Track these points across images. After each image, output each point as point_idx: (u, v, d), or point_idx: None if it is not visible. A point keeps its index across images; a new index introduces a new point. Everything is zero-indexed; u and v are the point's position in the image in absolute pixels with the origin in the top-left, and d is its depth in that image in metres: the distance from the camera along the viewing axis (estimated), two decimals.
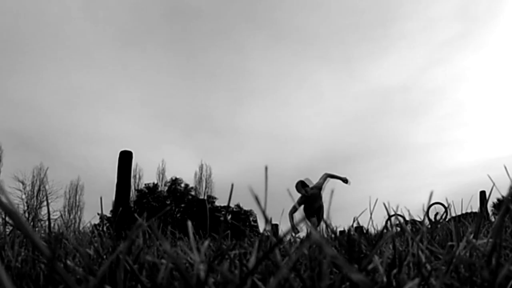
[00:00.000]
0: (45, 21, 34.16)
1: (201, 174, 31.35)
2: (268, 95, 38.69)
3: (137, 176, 30.59)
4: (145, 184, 29.75)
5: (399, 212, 2.37)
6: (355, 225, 1.29)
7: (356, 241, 0.77)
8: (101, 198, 1.39)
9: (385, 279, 0.57)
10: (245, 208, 28.62)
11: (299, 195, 5.97)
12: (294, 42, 37.02)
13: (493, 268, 0.52)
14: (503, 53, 34.52)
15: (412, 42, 35.18)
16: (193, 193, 30.05)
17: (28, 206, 26.41)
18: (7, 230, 1.27)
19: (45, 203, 26.45)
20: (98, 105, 37.07)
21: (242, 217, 27.89)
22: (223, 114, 38.03)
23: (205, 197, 29.39)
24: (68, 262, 0.73)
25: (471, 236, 0.89)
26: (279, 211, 1.21)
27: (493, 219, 3.61)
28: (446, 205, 2.40)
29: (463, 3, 35.13)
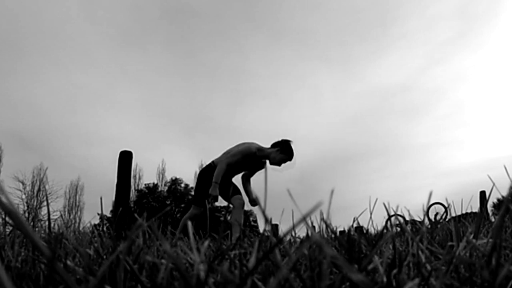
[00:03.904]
0: (45, 21, 34.16)
1: None
2: (268, 95, 38.71)
3: (137, 176, 30.61)
4: (145, 184, 29.75)
5: (399, 212, 2.37)
6: (355, 225, 1.29)
7: (356, 241, 0.77)
8: (101, 198, 1.39)
9: (385, 279, 0.57)
10: (245, 208, 28.58)
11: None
12: (294, 42, 37.02)
13: (493, 268, 0.52)
14: (503, 53, 34.52)
15: (412, 42, 35.18)
16: (193, 193, 30.03)
17: (28, 206, 26.41)
18: (7, 230, 1.27)
19: (45, 203, 26.45)
20: (98, 105, 37.10)
21: None
22: (223, 114, 38.02)
23: None
24: (68, 262, 0.73)
25: (471, 236, 0.89)
26: (279, 211, 1.21)
27: (493, 219, 3.60)
28: (446, 205, 2.40)
29: (463, 3, 35.13)
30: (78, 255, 0.96)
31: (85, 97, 37.03)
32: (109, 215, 20.41)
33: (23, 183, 26.23)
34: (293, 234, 1.38)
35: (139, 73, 36.72)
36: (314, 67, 37.43)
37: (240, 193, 4.13)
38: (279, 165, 3.86)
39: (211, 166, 4.09)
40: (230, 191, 4.08)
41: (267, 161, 3.96)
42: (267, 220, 0.51)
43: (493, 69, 35.80)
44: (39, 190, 27.37)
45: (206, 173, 4.11)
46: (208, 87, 37.46)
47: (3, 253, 0.91)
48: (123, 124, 37.38)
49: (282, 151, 3.90)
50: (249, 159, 3.98)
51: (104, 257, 0.90)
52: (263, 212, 0.50)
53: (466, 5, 34.43)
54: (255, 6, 37.40)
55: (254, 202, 4.10)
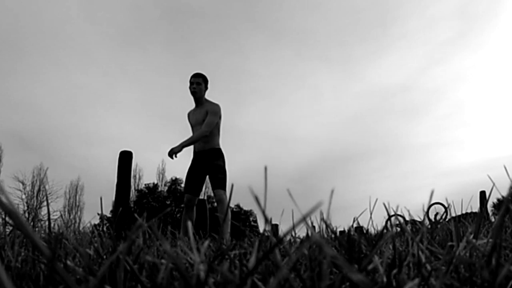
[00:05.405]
0: (45, 21, 34.16)
1: None
2: (268, 95, 38.73)
3: (137, 176, 30.63)
4: (145, 184, 29.74)
5: (399, 212, 2.37)
6: (355, 225, 1.29)
7: (356, 241, 0.77)
8: (101, 198, 1.39)
9: (385, 279, 0.57)
10: (245, 208, 28.63)
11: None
12: (294, 42, 37.04)
13: (493, 268, 0.52)
14: (503, 53, 34.52)
15: (412, 42, 35.21)
16: None
17: (28, 206, 26.42)
18: (7, 230, 1.27)
19: (45, 203, 26.45)
20: (98, 105, 37.12)
21: (242, 217, 27.87)
22: (223, 114, 37.98)
23: (205, 197, 29.37)
24: (68, 262, 0.73)
25: (471, 236, 0.89)
26: (279, 211, 1.21)
27: (493, 219, 3.60)
28: (446, 205, 2.40)
29: (463, 3, 35.16)
30: (78, 255, 0.96)
31: (85, 97, 37.08)
32: (109, 215, 20.42)
33: (23, 183, 26.25)
34: (293, 234, 1.38)
35: (139, 73, 36.76)
36: (314, 67, 37.47)
37: (218, 188, 4.31)
38: (192, 90, 4.56)
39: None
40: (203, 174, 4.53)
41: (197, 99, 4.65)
42: (267, 220, 0.51)
43: (493, 69, 35.83)
44: (39, 190, 27.38)
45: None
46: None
47: (3, 253, 0.91)
48: (123, 124, 37.44)
49: None
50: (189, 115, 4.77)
51: (104, 257, 0.90)
52: (263, 212, 0.50)
53: (466, 5, 34.47)
54: (255, 6, 37.42)
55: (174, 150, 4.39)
